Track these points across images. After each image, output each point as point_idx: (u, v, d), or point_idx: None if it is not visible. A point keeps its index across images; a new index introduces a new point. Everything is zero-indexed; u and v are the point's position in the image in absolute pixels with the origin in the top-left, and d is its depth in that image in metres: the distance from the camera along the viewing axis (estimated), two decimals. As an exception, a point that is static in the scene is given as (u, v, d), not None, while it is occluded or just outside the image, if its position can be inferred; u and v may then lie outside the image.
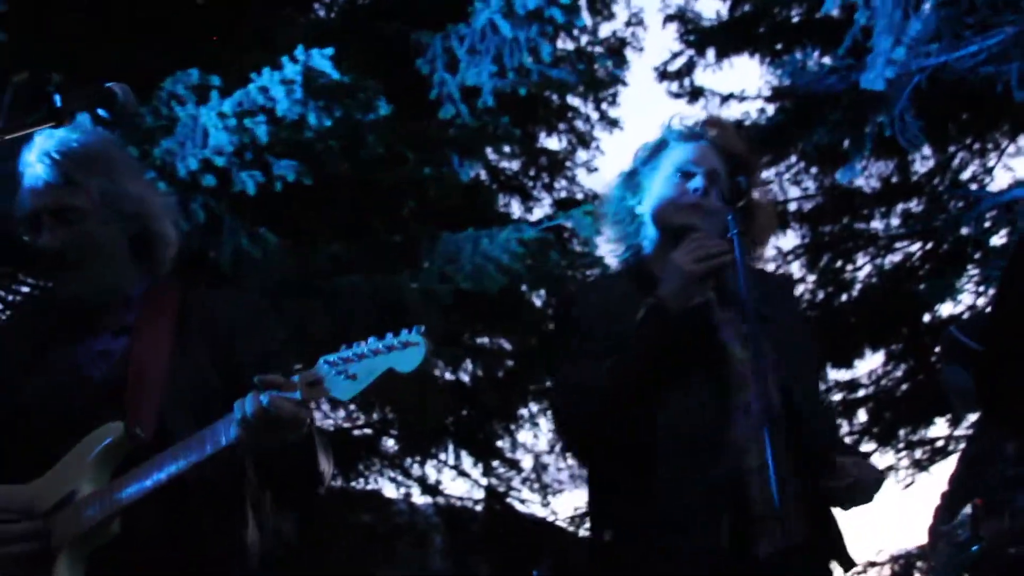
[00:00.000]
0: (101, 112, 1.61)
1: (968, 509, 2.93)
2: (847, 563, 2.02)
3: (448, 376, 9.03)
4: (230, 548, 1.82)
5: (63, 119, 1.56)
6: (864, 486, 1.95)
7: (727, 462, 1.89)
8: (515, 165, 8.84)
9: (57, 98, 1.53)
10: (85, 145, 1.88)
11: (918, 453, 9.11)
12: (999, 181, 8.32)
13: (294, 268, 5.17)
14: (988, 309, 7.70)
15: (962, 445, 6.41)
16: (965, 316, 7.95)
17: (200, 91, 4.47)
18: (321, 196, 5.34)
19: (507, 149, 8.31)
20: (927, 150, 8.34)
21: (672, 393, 1.91)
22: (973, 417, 3.49)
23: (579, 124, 8.89)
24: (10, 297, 6.09)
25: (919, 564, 9.09)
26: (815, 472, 1.92)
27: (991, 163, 8.46)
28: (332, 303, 4.97)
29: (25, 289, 5.96)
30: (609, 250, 2.29)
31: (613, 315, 2.02)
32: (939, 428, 8.95)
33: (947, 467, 8.80)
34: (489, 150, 7.81)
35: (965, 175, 8.54)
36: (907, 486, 9.04)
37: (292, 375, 1.59)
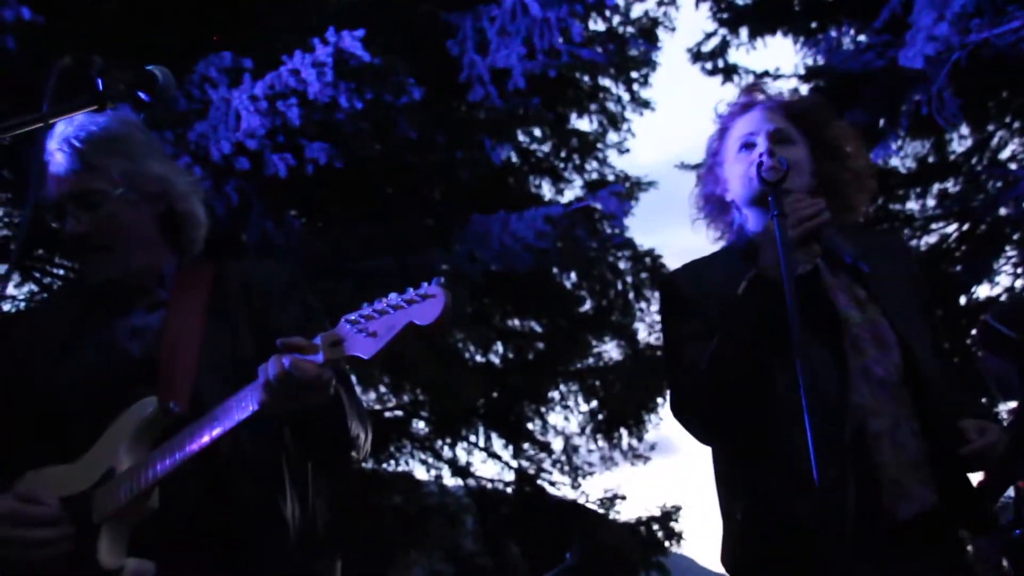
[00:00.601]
0: (142, 95, 1.61)
1: (1011, 493, 2.90)
2: (979, 528, 1.98)
3: (479, 358, 9.07)
4: (268, 521, 1.81)
5: (105, 102, 1.56)
6: (991, 450, 1.89)
7: (850, 425, 1.87)
8: (546, 147, 8.81)
9: (99, 82, 1.53)
10: (104, 128, 1.88)
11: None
12: (1039, 161, 8.17)
13: (325, 250, 5.19)
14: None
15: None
16: (1002, 298, 7.82)
17: (232, 73, 4.49)
18: (352, 179, 5.35)
19: (538, 131, 8.29)
20: (964, 129, 8.18)
21: (789, 360, 1.85)
22: (1012, 404, 3.44)
23: (610, 105, 8.84)
24: (47, 280, 6.19)
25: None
26: (944, 437, 1.89)
27: (1031, 142, 8.28)
28: (363, 285, 4.98)
29: (61, 272, 6.06)
30: (718, 246, 2.28)
31: (718, 293, 2.02)
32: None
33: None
34: (520, 132, 7.80)
35: (1004, 154, 8.36)
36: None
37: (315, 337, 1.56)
